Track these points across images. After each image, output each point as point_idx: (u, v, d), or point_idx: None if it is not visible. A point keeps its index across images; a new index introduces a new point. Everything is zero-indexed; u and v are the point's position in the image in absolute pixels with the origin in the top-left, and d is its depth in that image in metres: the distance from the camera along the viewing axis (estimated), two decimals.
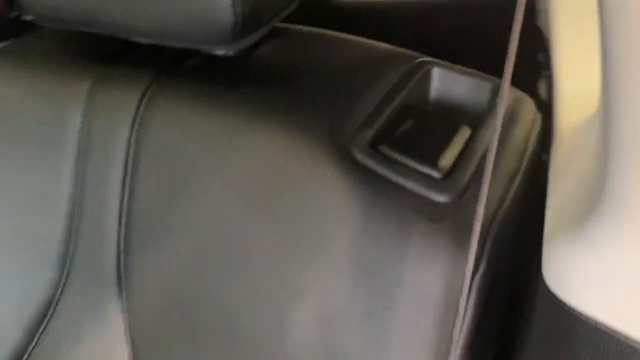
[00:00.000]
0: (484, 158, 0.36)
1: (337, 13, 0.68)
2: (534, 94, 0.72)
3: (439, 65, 0.42)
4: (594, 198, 0.25)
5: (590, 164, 0.27)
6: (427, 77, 0.41)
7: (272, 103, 0.39)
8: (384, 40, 0.89)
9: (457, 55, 0.85)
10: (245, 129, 0.38)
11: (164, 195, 0.39)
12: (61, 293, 0.43)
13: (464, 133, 0.38)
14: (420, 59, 0.42)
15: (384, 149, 0.36)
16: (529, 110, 0.40)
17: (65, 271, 0.43)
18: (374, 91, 0.40)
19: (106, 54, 0.44)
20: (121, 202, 0.40)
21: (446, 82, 0.42)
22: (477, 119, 0.39)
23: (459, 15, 0.82)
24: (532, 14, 0.72)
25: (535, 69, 0.71)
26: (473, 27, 0.82)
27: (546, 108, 0.67)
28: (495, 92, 0.40)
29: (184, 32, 0.37)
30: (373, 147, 0.36)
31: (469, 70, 0.42)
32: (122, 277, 0.41)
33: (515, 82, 0.79)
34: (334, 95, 0.39)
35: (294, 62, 0.42)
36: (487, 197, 0.35)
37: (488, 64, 0.85)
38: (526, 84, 0.74)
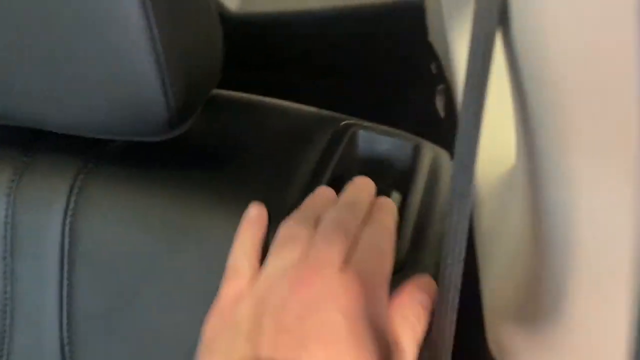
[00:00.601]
0: (416, 228, 0.39)
1: (228, 25, 0.68)
2: (432, 110, 0.77)
3: (362, 127, 0.44)
4: (536, 283, 0.27)
5: (519, 237, 0.29)
6: (353, 141, 0.43)
7: (213, 188, 0.39)
8: (278, 52, 0.90)
9: (349, 64, 0.88)
10: (188, 222, 0.38)
11: (108, 292, 0.38)
12: None
13: (395, 199, 0.40)
14: (344, 122, 0.44)
15: None
16: (447, 166, 0.43)
17: None
18: (307, 162, 0.41)
19: (22, 140, 0.41)
20: (60, 300, 0.39)
21: (370, 144, 0.44)
22: (401, 180, 0.42)
23: (351, 25, 0.85)
24: (424, 30, 0.76)
25: (430, 83, 0.76)
26: (364, 37, 0.85)
27: (445, 125, 0.71)
28: (416, 152, 0.43)
29: (112, 128, 0.36)
30: None
31: (390, 129, 0.44)
32: None
33: (414, 98, 0.82)
34: (272, 172, 0.40)
35: (227, 136, 0.43)
36: (422, 265, 0.38)
37: (380, 71, 0.88)
38: (423, 102, 0.79)
